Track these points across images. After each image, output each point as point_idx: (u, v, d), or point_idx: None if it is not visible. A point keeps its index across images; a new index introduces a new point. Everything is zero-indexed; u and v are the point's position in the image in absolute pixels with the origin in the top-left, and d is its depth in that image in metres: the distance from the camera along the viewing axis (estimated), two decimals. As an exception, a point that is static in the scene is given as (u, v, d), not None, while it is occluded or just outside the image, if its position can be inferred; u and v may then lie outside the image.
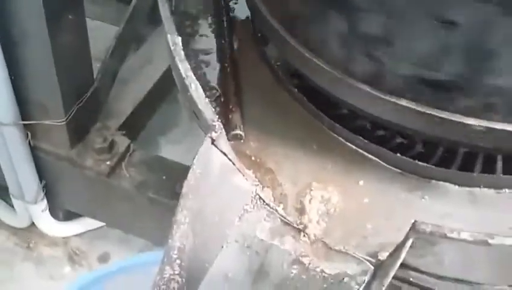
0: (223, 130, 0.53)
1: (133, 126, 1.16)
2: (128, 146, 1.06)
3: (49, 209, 1.23)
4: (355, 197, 0.67)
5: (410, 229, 0.48)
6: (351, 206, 0.66)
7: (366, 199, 0.67)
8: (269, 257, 0.63)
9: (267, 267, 0.63)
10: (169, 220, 0.55)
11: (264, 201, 0.66)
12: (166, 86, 1.28)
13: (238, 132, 0.70)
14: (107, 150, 1.03)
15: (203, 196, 0.54)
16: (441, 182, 0.67)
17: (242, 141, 0.71)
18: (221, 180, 0.58)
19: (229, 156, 0.55)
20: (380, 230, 0.63)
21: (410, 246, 0.48)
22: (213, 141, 0.51)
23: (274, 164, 0.70)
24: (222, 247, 0.64)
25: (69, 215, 1.32)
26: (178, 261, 0.55)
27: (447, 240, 0.47)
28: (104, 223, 1.31)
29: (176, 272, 0.55)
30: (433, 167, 0.66)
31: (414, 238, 0.48)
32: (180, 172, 1.00)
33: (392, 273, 0.51)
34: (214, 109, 0.57)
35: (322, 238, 0.63)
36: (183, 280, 0.58)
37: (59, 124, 0.96)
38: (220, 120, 0.60)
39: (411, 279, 0.72)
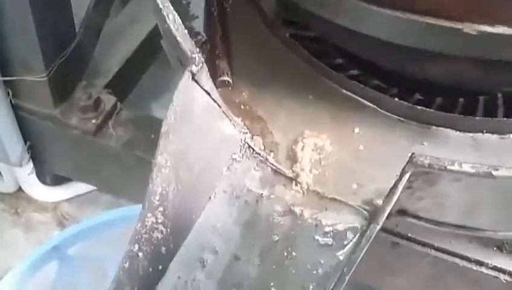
0: (205, 64, 0.50)
1: (120, 86, 1.12)
2: (115, 104, 1.02)
3: (36, 173, 1.20)
4: (351, 145, 0.64)
5: (407, 163, 0.45)
6: (346, 154, 0.63)
7: (361, 147, 0.64)
8: (259, 208, 0.61)
9: (257, 218, 0.61)
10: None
11: (253, 150, 0.63)
12: (155, 45, 1.23)
13: (225, 78, 0.66)
14: (92, 108, 1.00)
15: (185, 138, 0.50)
16: (442, 128, 0.63)
17: (230, 88, 0.67)
18: (206, 123, 0.54)
19: (212, 95, 0.51)
20: (376, 178, 0.60)
21: (408, 187, 0.45)
22: (193, 76, 0.48)
23: (264, 112, 0.67)
24: (210, 198, 0.61)
25: (57, 180, 1.29)
26: (161, 209, 0.52)
27: (447, 178, 0.44)
28: (94, 188, 1.28)
29: (159, 221, 0.53)
30: (434, 111, 0.63)
31: (412, 174, 0.45)
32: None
33: (386, 211, 0.48)
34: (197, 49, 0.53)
35: (315, 187, 0.60)
36: (168, 230, 0.55)
37: (41, 79, 0.92)
38: (206, 66, 0.56)
39: (409, 234, 0.70)
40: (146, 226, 0.51)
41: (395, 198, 0.47)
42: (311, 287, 0.55)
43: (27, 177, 1.17)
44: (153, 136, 1.01)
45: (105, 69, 1.10)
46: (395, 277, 0.91)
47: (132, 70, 1.18)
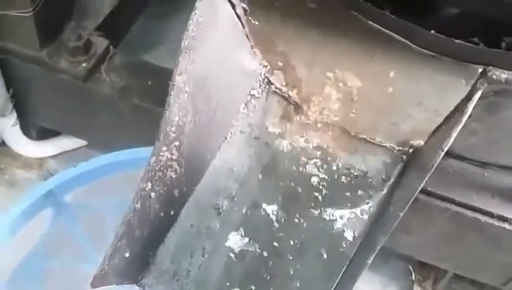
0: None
1: (112, 29, 1.04)
2: (108, 48, 0.95)
3: (21, 126, 1.13)
4: (381, 83, 0.59)
5: (479, 77, 0.40)
6: (377, 92, 0.58)
7: (393, 85, 0.59)
8: (280, 149, 0.56)
9: (278, 161, 0.56)
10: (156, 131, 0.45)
11: (274, 85, 0.57)
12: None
13: (242, 5, 0.60)
14: (82, 50, 0.92)
15: (205, 59, 0.45)
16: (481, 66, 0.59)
17: (247, 16, 0.61)
18: (226, 48, 0.49)
19: (236, 9, 0.46)
20: (411, 115, 0.55)
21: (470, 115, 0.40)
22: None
23: (286, 46, 0.61)
24: (226, 138, 0.56)
25: (43, 134, 1.22)
26: (176, 143, 0.46)
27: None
28: (83, 144, 1.21)
29: (174, 157, 0.47)
30: (475, 46, 0.58)
31: (484, 91, 0.40)
32: (167, 77, 0.91)
33: (438, 156, 0.43)
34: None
35: (344, 127, 0.56)
36: (182, 170, 0.50)
37: (25, 15, 0.84)
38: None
39: (428, 188, 0.66)
40: (160, 161, 0.46)
41: (463, 120, 0.42)
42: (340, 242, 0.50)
43: (10, 129, 1.10)
44: (150, 82, 0.94)
45: (96, 10, 1.02)
46: (409, 236, 0.88)
47: (125, 13, 1.10)
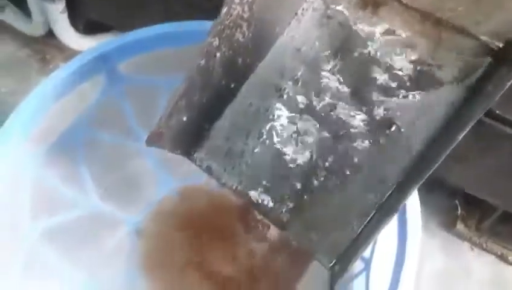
0: None
1: None
2: None
3: (69, 17, 1.11)
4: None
5: None
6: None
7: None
8: (356, 33, 0.51)
9: (351, 45, 0.51)
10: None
11: (356, -38, 0.52)
12: None
13: None
14: None
15: None
16: None
17: None
18: None
19: None
20: (505, 6, 0.49)
21: None
22: None
23: None
24: (296, 14, 0.52)
25: (91, 30, 1.20)
26: (249, -1, 0.42)
27: None
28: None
29: (245, 16, 0.44)
30: None
31: None
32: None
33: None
34: None
35: (430, 11, 0.50)
36: (250, 34, 0.46)
37: None
38: None
39: (497, 111, 0.60)
40: (231, 16, 0.42)
41: None
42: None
43: (59, 16, 1.08)
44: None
45: None
46: (463, 164, 0.84)
47: None
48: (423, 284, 0.96)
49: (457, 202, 0.97)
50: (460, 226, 0.97)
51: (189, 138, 0.50)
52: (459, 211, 0.96)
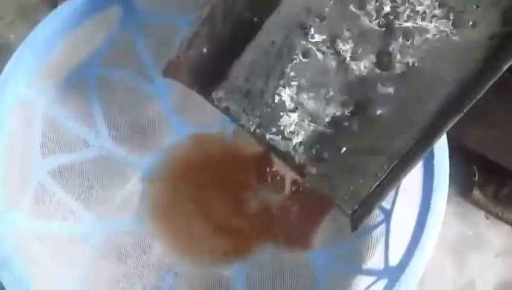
0: None
1: None
2: None
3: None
4: None
5: None
6: None
7: None
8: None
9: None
10: None
11: None
12: None
13: None
14: None
15: None
16: None
17: None
18: None
19: None
20: None
21: None
22: None
23: None
24: None
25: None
26: None
27: None
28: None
29: None
30: None
31: None
32: None
33: None
34: None
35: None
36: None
37: None
38: None
39: None
40: None
41: None
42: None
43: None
44: None
45: None
46: (484, 127, 0.81)
47: None
48: (434, 251, 0.94)
49: (475, 168, 0.94)
50: (476, 193, 0.95)
51: (208, 75, 0.47)
52: (476, 178, 0.94)
